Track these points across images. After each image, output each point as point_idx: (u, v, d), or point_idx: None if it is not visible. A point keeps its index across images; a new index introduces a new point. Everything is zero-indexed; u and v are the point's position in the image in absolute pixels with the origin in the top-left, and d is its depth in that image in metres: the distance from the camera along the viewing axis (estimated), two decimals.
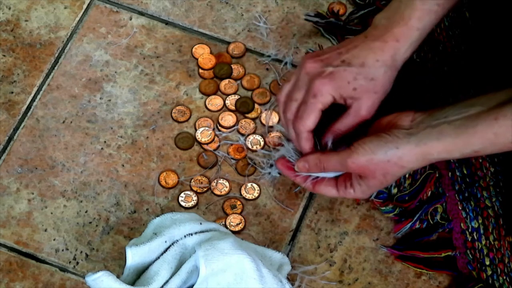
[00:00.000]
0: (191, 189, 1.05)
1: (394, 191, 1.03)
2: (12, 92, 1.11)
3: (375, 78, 0.92)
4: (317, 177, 0.95)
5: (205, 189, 1.05)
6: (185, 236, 0.94)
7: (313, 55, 0.96)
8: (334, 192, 0.95)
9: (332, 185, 0.95)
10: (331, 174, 0.95)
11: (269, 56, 1.14)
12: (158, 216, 0.97)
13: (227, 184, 1.05)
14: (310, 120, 0.94)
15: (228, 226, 1.02)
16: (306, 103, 0.94)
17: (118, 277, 0.90)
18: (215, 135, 1.08)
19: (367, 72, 0.92)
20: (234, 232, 1.01)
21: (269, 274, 0.92)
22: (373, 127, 0.94)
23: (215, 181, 1.05)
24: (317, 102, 0.93)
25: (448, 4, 0.93)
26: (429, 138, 0.87)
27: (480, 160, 1.04)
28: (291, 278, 0.99)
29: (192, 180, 1.05)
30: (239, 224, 1.03)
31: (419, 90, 1.09)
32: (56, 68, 1.13)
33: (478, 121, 0.85)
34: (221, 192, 1.05)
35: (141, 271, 0.94)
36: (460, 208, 1.02)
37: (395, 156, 0.88)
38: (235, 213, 1.03)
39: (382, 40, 0.93)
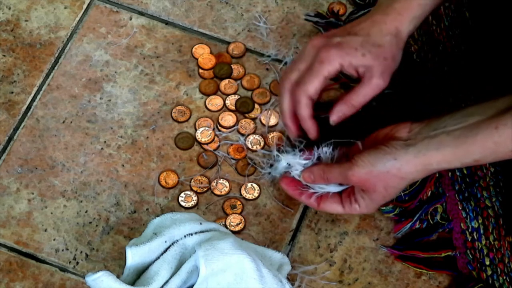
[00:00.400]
0: (191, 189, 1.05)
1: None
2: (12, 92, 1.11)
3: (382, 45, 0.92)
4: (320, 194, 0.96)
5: (205, 189, 1.05)
6: (185, 236, 0.94)
7: (318, 35, 0.98)
8: (339, 209, 0.95)
9: (337, 202, 0.95)
10: (335, 189, 0.95)
11: (269, 56, 1.14)
12: (158, 216, 0.97)
13: (227, 184, 1.05)
14: (313, 85, 0.93)
15: (228, 226, 1.02)
16: (311, 69, 0.93)
17: (118, 277, 0.90)
18: (215, 135, 1.08)
19: (373, 40, 0.92)
20: (234, 232, 1.01)
21: (269, 274, 0.92)
22: (370, 140, 0.94)
23: (215, 181, 1.05)
24: (323, 68, 0.92)
25: None
26: (428, 149, 0.87)
27: None
28: (291, 278, 0.99)
29: (192, 180, 1.05)
30: (239, 224, 1.03)
31: (419, 90, 1.09)
32: (56, 68, 1.13)
33: (478, 131, 0.85)
34: (221, 192, 1.05)
35: (141, 271, 0.94)
36: (460, 208, 1.02)
37: (394, 168, 0.88)
38: (235, 213, 1.03)
39: (385, 14, 0.93)
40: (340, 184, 0.95)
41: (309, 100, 0.94)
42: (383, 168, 0.89)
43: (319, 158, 0.98)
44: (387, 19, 0.93)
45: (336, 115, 0.95)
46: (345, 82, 1.11)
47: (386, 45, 0.93)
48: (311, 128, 0.96)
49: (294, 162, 0.98)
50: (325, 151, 0.97)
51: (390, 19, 0.93)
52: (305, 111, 0.94)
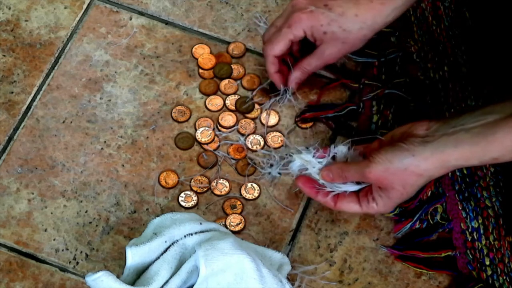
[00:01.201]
0: (191, 189, 1.05)
1: None
2: (12, 92, 1.11)
3: (348, 30, 0.98)
4: (337, 193, 0.95)
5: (205, 189, 1.05)
6: (185, 236, 0.94)
7: None
8: (357, 208, 0.95)
9: (355, 201, 0.95)
10: (352, 187, 0.95)
11: None
12: (158, 216, 0.97)
13: (227, 184, 1.05)
14: (278, 46, 1.02)
15: (228, 226, 1.02)
16: (280, 30, 1.02)
17: (118, 277, 0.90)
18: (215, 135, 1.08)
19: (343, 22, 0.98)
20: (234, 232, 1.01)
21: (269, 274, 0.92)
22: (387, 138, 0.94)
23: (215, 181, 1.05)
24: (289, 32, 1.01)
25: None
26: (446, 146, 0.87)
27: None
28: (291, 278, 0.99)
29: (192, 180, 1.05)
30: (239, 224, 1.03)
31: (419, 90, 1.09)
32: (56, 68, 1.13)
33: (496, 129, 0.84)
34: (221, 192, 1.05)
35: (141, 271, 0.94)
36: (460, 208, 1.02)
37: (411, 165, 0.88)
38: (235, 213, 1.03)
39: (369, 2, 0.97)
40: (358, 183, 0.95)
41: (274, 58, 1.03)
42: (401, 165, 0.89)
43: (333, 157, 0.97)
44: (368, 6, 0.97)
45: (294, 82, 1.06)
46: (345, 82, 1.11)
47: (353, 32, 0.99)
48: (277, 81, 1.06)
49: (309, 161, 0.98)
50: (341, 149, 0.97)
51: (371, 7, 0.97)
52: (271, 67, 1.05)
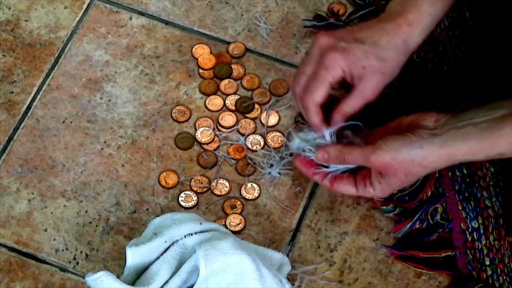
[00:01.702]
0: (191, 189, 1.05)
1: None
2: (12, 92, 1.11)
3: (386, 59, 0.93)
4: (334, 174, 0.95)
5: (205, 189, 1.05)
6: (185, 236, 0.94)
7: (326, 32, 0.96)
8: (353, 191, 0.95)
9: (351, 183, 0.95)
10: (350, 166, 0.95)
11: (269, 56, 1.14)
12: (158, 216, 0.97)
13: (227, 184, 1.05)
14: (319, 93, 0.94)
15: (228, 226, 1.02)
16: (316, 75, 0.94)
17: (118, 277, 0.90)
18: (215, 135, 1.08)
19: (379, 52, 0.93)
20: (234, 232, 1.01)
21: (269, 274, 0.92)
22: (393, 125, 0.94)
23: (215, 181, 1.05)
24: (327, 74, 0.93)
25: None
26: (454, 140, 0.87)
27: None
28: (291, 278, 0.99)
29: (192, 180, 1.05)
30: (239, 224, 1.03)
31: (419, 90, 1.09)
32: (56, 68, 1.13)
33: (503, 124, 0.85)
34: (221, 192, 1.05)
35: (141, 271, 0.94)
36: (460, 208, 1.02)
37: (419, 156, 0.88)
38: (235, 213, 1.03)
39: (396, 24, 0.93)
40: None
41: (317, 107, 0.95)
42: (408, 155, 0.89)
43: (334, 138, 0.97)
44: (397, 30, 0.93)
45: (334, 123, 0.97)
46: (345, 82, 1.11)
47: (390, 60, 0.94)
48: (326, 133, 0.96)
49: (308, 140, 0.97)
50: (345, 134, 0.96)
51: (400, 31, 0.93)
52: (315, 118, 0.96)
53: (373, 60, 0.93)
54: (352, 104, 0.95)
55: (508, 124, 0.85)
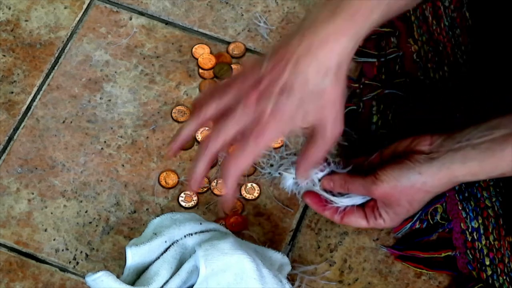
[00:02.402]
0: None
1: None
2: (12, 92, 1.11)
3: (323, 92, 0.80)
4: (345, 208, 0.95)
5: (205, 189, 1.05)
6: (185, 236, 0.94)
7: (253, 81, 0.80)
8: (364, 223, 0.94)
9: (362, 216, 0.94)
10: (358, 200, 0.94)
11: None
12: (158, 216, 0.97)
13: None
14: (246, 164, 0.82)
15: (228, 226, 1.02)
16: (244, 144, 0.81)
17: (118, 277, 0.90)
18: None
19: (312, 90, 0.79)
20: (234, 233, 1.01)
21: (269, 274, 0.92)
22: (389, 152, 0.93)
23: (215, 181, 1.05)
24: (258, 145, 0.81)
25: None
26: (453, 162, 0.86)
27: None
28: (291, 278, 0.99)
29: None
30: (240, 224, 1.03)
31: (419, 91, 1.09)
32: (56, 68, 1.13)
33: (505, 145, 0.84)
34: (221, 192, 1.05)
35: (141, 271, 0.94)
36: (460, 208, 1.02)
37: (418, 182, 0.88)
38: (236, 214, 1.03)
39: (324, 41, 0.78)
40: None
41: (238, 179, 0.83)
42: (408, 182, 0.88)
43: (330, 172, 0.96)
44: (325, 47, 0.78)
45: (301, 175, 0.91)
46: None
47: (328, 89, 0.79)
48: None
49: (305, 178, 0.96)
50: (333, 167, 0.96)
51: (332, 54, 0.78)
52: (233, 187, 0.83)
53: (310, 101, 0.79)
54: (320, 149, 0.84)
55: (510, 145, 0.84)
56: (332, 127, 0.82)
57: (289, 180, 0.97)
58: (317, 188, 0.95)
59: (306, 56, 0.78)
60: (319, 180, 0.95)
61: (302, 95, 0.79)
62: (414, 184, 0.88)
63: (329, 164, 0.95)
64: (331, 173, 0.95)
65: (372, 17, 0.79)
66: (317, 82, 0.79)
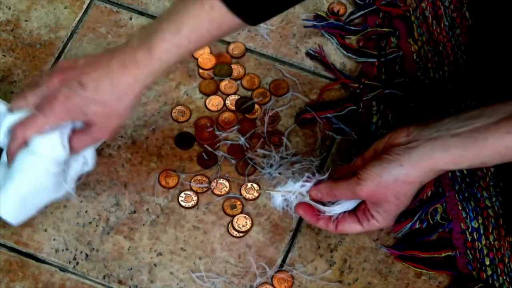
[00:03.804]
0: (191, 189, 1.05)
1: None
2: (12, 92, 1.11)
3: (107, 104, 0.93)
4: (337, 217, 0.94)
5: (205, 189, 1.05)
6: None
7: (66, 65, 0.96)
8: (359, 228, 0.93)
9: (355, 221, 0.93)
10: (348, 205, 0.94)
11: (269, 56, 1.14)
12: (158, 216, 0.97)
13: (227, 184, 1.05)
14: (30, 133, 0.94)
15: (237, 228, 1.02)
16: (35, 117, 0.94)
17: None
18: (215, 135, 1.08)
19: (99, 97, 0.92)
20: (243, 233, 1.01)
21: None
22: (370, 153, 0.93)
23: (215, 181, 1.05)
24: (46, 120, 0.94)
25: (199, 42, 0.91)
26: (434, 151, 0.86)
27: None
28: (291, 278, 0.99)
29: (192, 180, 1.05)
30: (246, 225, 1.02)
31: (419, 90, 1.10)
32: None
33: (488, 134, 0.84)
34: (221, 192, 1.05)
35: None
36: (460, 208, 1.02)
37: (401, 174, 0.87)
38: (241, 214, 1.03)
39: (123, 66, 0.92)
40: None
41: (23, 139, 0.95)
42: (390, 177, 0.88)
43: (316, 183, 0.96)
44: (124, 73, 0.91)
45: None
46: (345, 82, 1.11)
47: (112, 104, 0.93)
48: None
49: (290, 191, 0.96)
50: (318, 178, 0.96)
51: (126, 74, 0.92)
52: (16, 143, 0.95)
53: (93, 106, 0.93)
54: (81, 141, 0.96)
55: (491, 134, 0.84)
56: (98, 131, 0.95)
57: (278, 198, 0.96)
58: (307, 199, 0.95)
59: (104, 74, 0.92)
60: (307, 192, 0.95)
61: (90, 97, 0.92)
62: (397, 177, 0.88)
63: (313, 174, 0.95)
64: (317, 183, 0.95)
65: (168, 56, 0.91)
66: (105, 94, 0.92)
